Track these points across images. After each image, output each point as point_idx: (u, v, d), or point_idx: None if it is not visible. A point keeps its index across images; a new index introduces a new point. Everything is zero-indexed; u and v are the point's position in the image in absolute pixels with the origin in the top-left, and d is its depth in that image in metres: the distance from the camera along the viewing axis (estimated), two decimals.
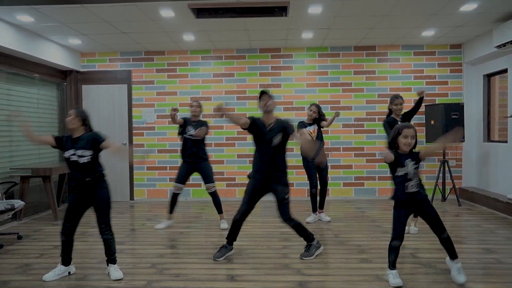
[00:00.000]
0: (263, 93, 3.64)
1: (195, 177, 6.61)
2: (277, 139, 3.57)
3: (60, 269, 3.34)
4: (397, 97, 4.37)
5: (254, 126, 3.61)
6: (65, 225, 3.30)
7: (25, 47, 5.39)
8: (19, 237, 4.55)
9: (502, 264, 3.50)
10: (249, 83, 6.87)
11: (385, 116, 6.65)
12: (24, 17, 4.86)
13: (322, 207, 5.22)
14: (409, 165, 2.98)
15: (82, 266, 3.57)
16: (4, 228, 5.09)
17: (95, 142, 3.24)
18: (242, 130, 7.10)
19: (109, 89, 6.97)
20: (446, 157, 6.38)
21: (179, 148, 6.87)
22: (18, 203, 4.44)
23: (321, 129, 5.12)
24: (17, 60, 5.60)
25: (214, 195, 4.87)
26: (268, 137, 3.58)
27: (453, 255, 3.11)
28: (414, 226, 4.50)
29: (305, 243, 3.80)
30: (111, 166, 6.80)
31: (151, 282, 3.19)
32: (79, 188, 3.28)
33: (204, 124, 4.81)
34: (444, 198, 6.43)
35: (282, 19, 5.15)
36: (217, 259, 3.70)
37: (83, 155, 3.22)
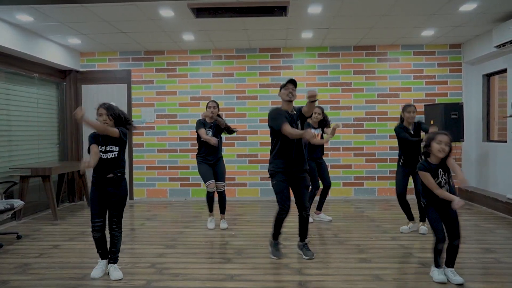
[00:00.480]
0: (291, 82, 3.64)
1: (195, 177, 6.64)
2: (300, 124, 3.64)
3: (103, 264, 3.37)
4: (409, 105, 4.45)
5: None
6: (96, 222, 3.27)
7: (25, 46, 5.39)
8: (19, 237, 4.55)
9: (501, 263, 3.51)
10: (248, 83, 6.87)
11: (384, 116, 6.75)
12: (24, 16, 4.86)
13: (321, 208, 5.22)
14: (441, 175, 3.04)
15: (82, 266, 3.58)
16: (3, 228, 5.08)
17: (124, 135, 3.27)
18: (241, 130, 7.10)
19: (109, 88, 6.97)
20: None
21: (178, 148, 6.93)
22: (18, 203, 4.43)
23: (324, 134, 5.13)
24: (17, 60, 5.60)
25: (222, 195, 4.87)
26: (295, 125, 3.59)
27: (451, 264, 3.12)
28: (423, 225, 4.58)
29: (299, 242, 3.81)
30: None
31: (150, 282, 3.19)
32: (101, 185, 3.27)
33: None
34: None
35: (282, 18, 5.15)
36: (280, 257, 3.70)
37: (111, 150, 3.23)
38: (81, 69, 6.97)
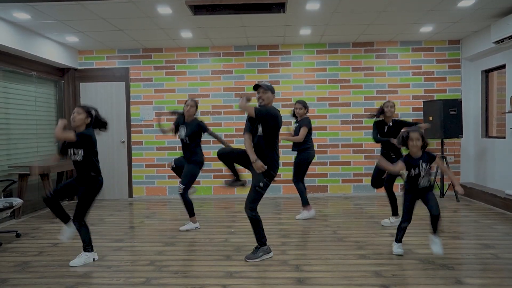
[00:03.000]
0: (257, 86, 3.82)
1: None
2: None
3: (65, 228, 3.66)
4: (388, 101, 4.77)
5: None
6: (54, 190, 3.61)
7: (22, 44, 5.37)
8: (18, 235, 4.55)
9: (500, 259, 3.52)
10: (247, 80, 6.85)
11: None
12: (21, 14, 4.84)
13: (303, 203, 5.20)
14: (422, 165, 3.45)
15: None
16: (2, 226, 5.08)
17: (83, 139, 3.43)
18: (239, 127, 7.07)
19: (107, 86, 6.96)
20: (444, 153, 6.39)
21: (177, 146, 6.92)
22: (17, 201, 4.43)
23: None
24: (14, 58, 5.58)
25: (181, 197, 4.58)
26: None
27: (435, 230, 3.51)
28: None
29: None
30: (110, 164, 6.80)
31: (150, 279, 3.19)
32: (78, 181, 3.57)
33: (196, 125, 4.60)
34: (442, 194, 6.44)
35: (280, 15, 5.13)
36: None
37: (76, 153, 3.46)
38: (79, 67, 6.95)
